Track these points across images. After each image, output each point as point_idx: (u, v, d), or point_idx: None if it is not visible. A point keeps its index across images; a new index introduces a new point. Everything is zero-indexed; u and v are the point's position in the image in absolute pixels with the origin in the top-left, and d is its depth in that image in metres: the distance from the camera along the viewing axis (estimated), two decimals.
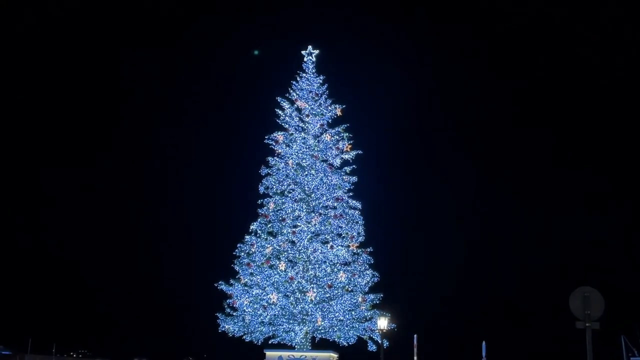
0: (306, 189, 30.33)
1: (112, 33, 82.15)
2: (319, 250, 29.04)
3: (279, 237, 29.44)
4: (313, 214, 29.60)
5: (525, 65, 76.49)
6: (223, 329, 29.38)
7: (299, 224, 29.59)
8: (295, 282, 28.53)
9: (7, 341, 51.98)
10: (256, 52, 63.94)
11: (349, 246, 29.61)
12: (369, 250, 29.80)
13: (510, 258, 64.23)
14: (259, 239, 29.67)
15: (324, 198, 30.25)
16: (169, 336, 65.90)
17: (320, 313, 28.18)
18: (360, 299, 28.82)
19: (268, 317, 28.70)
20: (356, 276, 29.06)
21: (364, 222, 30.31)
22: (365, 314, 28.93)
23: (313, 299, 28.11)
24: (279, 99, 31.68)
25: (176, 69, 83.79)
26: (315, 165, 30.44)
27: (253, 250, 29.46)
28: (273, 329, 29.19)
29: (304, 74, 32.20)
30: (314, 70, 32.34)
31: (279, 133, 31.23)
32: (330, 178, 30.33)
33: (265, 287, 28.84)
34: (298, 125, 31.49)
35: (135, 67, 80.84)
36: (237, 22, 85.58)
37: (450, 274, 60.44)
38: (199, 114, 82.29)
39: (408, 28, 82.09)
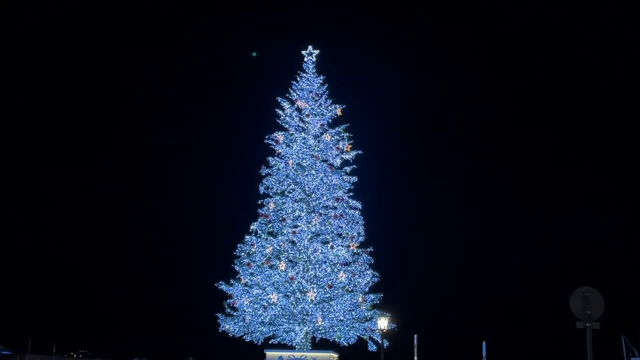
0: (306, 189, 30.34)
1: (112, 33, 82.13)
2: (319, 250, 29.06)
3: (279, 237, 29.46)
4: (313, 214, 29.61)
5: (525, 65, 76.45)
6: (223, 329, 29.41)
7: (299, 224, 29.61)
8: (296, 282, 28.55)
9: (7, 341, 52.00)
10: (254, 54, 63.86)
11: (349, 246, 29.63)
12: (369, 250, 29.84)
13: (510, 258, 64.22)
14: (259, 239, 29.69)
15: (324, 198, 30.27)
16: (169, 336, 65.87)
17: (320, 313, 28.20)
18: (360, 299, 28.84)
19: (268, 317, 28.73)
20: (356, 276, 29.08)
21: (364, 222, 30.38)
22: (366, 314, 28.95)
23: (313, 299, 28.12)
24: (279, 99, 31.72)
25: (176, 69, 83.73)
26: (316, 165, 30.46)
27: (253, 250, 29.48)
28: (273, 329, 29.21)
29: (304, 74, 32.23)
30: (314, 70, 32.37)
31: (279, 133, 31.25)
32: (330, 178, 30.35)
33: (265, 287, 28.86)
34: (298, 125, 31.51)
35: (135, 67, 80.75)
36: (237, 22, 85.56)
37: (450, 274, 60.42)
38: (199, 114, 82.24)
39: (408, 28, 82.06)
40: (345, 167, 31.01)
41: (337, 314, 28.37)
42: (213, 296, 30.33)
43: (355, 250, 29.71)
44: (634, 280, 48.84)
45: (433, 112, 78.50)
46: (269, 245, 29.37)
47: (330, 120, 31.77)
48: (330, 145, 31.07)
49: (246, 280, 29.36)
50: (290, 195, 30.27)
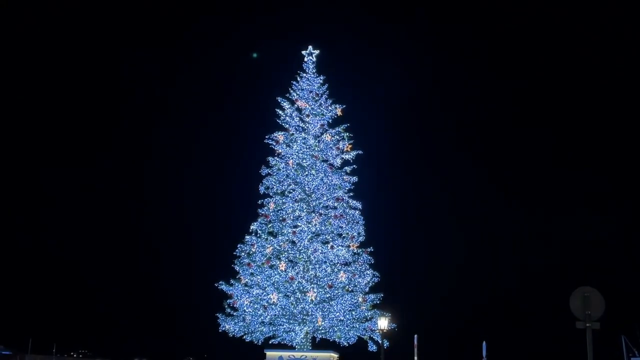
0: (306, 189, 30.34)
1: (112, 33, 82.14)
2: (320, 251, 29.06)
3: (280, 237, 29.46)
4: (313, 214, 29.61)
5: (525, 65, 76.47)
6: (223, 329, 29.40)
7: (299, 224, 29.61)
8: (296, 282, 28.54)
9: (8, 341, 51.99)
10: (255, 55, 63.84)
11: (349, 246, 29.63)
12: (369, 250, 29.83)
13: (510, 258, 64.23)
14: (259, 239, 29.69)
15: (325, 198, 30.27)
16: (169, 336, 65.90)
17: (320, 313, 28.20)
18: (360, 299, 28.84)
19: (268, 317, 28.72)
20: (356, 276, 29.08)
21: (365, 222, 30.37)
22: (366, 314, 28.95)
23: (313, 299, 28.12)
24: (279, 99, 31.72)
25: (176, 69, 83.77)
26: (316, 166, 30.46)
27: (253, 250, 29.48)
28: (273, 329, 29.21)
29: (304, 74, 32.23)
30: (314, 70, 32.37)
31: (280, 133, 31.26)
32: (330, 178, 30.35)
33: (265, 287, 28.87)
34: (298, 125, 31.51)
35: (135, 67, 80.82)
36: (237, 22, 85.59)
37: (450, 274, 60.46)
38: (199, 114, 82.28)
39: (408, 28, 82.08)
40: (346, 167, 31.02)
41: (337, 314, 28.37)
42: (213, 296, 30.37)
43: (355, 250, 29.71)
44: (634, 280, 48.86)
45: (433, 112, 78.55)
46: (269, 245, 29.38)
47: (330, 120, 31.78)
48: (331, 145, 31.08)
49: (246, 280, 29.36)
50: (290, 195, 30.27)
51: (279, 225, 29.78)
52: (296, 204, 29.78)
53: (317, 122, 31.51)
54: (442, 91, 78.55)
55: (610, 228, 57.58)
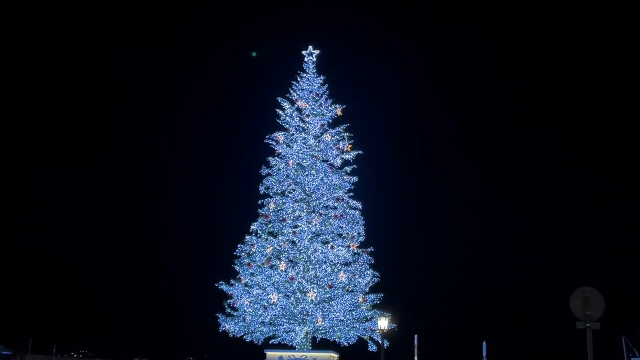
0: (307, 189, 30.34)
1: (112, 33, 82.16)
2: (320, 251, 29.05)
3: (280, 237, 29.45)
4: (313, 214, 29.61)
5: (525, 65, 76.52)
6: (223, 329, 29.40)
7: (299, 224, 29.61)
8: (296, 282, 28.54)
9: (8, 341, 51.96)
10: (254, 54, 63.84)
11: (349, 246, 29.62)
12: (369, 250, 29.81)
13: (510, 258, 64.25)
14: (259, 239, 29.69)
15: (325, 198, 30.27)
16: (169, 336, 65.89)
17: (320, 313, 28.20)
18: (360, 299, 28.83)
19: (268, 317, 28.72)
20: (356, 276, 29.07)
21: (365, 222, 30.35)
22: (366, 314, 28.94)
23: (313, 299, 28.12)
24: (279, 99, 31.71)
25: (176, 69, 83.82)
26: (316, 166, 30.46)
27: (253, 250, 29.48)
28: (273, 329, 29.21)
29: (305, 74, 32.22)
30: (314, 71, 32.36)
31: (280, 133, 31.25)
32: (330, 178, 30.35)
33: (265, 287, 28.86)
34: (298, 126, 31.51)
35: (135, 67, 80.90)
36: (237, 22, 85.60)
37: (450, 274, 60.48)
38: (199, 114, 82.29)
39: (408, 28, 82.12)
40: (346, 167, 31.01)
41: (338, 314, 28.36)
42: (213, 296, 30.37)
43: (355, 250, 29.70)
44: (634, 280, 48.87)
45: (433, 112, 78.59)
46: (269, 246, 29.37)
47: (330, 120, 31.77)
48: (331, 145, 31.07)
49: (246, 280, 29.35)
50: (290, 195, 30.26)
51: (279, 225, 29.78)
52: (296, 204, 29.78)
53: (317, 122, 31.51)
54: (442, 91, 78.62)
55: (610, 228, 57.63)
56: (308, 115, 31.51)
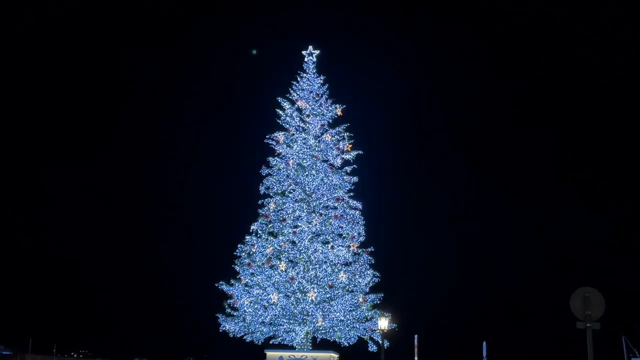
0: (307, 189, 30.34)
1: (112, 33, 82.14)
2: (320, 251, 29.06)
3: (280, 238, 29.46)
4: (314, 214, 29.62)
5: (525, 65, 76.49)
6: (224, 329, 29.41)
7: (299, 224, 29.61)
8: (296, 283, 28.55)
9: (8, 341, 51.98)
10: (254, 52, 63.81)
11: (349, 246, 29.63)
12: (369, 250, 29.82)
13: (510, 258, 64.28)
14: (259, 239, 29.69)
15: (325, 198, 30.27)
16: (169, 336, 65.90)
17: (320, 313, 28.21)
18: (360, 299, 28.84)
19: (269, 317, 28.73)
20: (357, 276, 29.08)
21: (365, 222, 30.36)
22: (366, 314, 28.95)
23: (314, 299, 28.13)
24: (279, 99, 31.71)
25: (176, 69, 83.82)
26: (316, 166, 30.46)
27: (254, 250, 29.48)
28: (274, 329, 29.21)
29: (305, 74, 32.22)
30: (314, 71, 32.37)
31: (280, 133, 31.26)
32: (330, 178, 30.36)
33: (265, 288, 28.87)
34: (299, 126, 31.52)
35: (135, 67, 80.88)
36: (237, 22, 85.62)
37: (450, 274, 60.51)
38: (199, 114, 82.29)
39: (408, 28, 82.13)
40: (346, 167, 31.02)
41: (338, 314, 28.38)
42: (213, 296, 30.37)
43: (355, 251, 29.70)
44: (634, 280, 48.87)
45: (433, 112, 78.60)
46: (269, 246, 29.38)
47: (330, 120, 31.77)
48: (331, 146, 31.08)
49: (247, 280, 29.36)
50: (290, 195, 30.27)
51: (279, 226, 29.78)
52: (296, 204, 29.78)
53: (318, 122, 31.52)
54: (442, 91, 78.61)
55: (610, 228, 57.63)
56: (308, 115, 31.51)
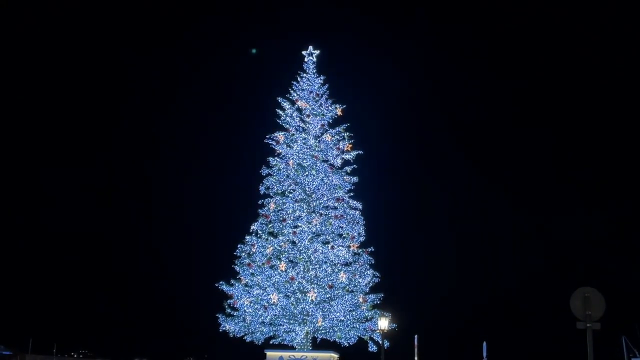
0: (307, 189, 30.34)
1: (113, 33, 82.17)
2: (320, 251, 29.05)
3: (280, 238, 29.45)
4: (314, 215, 29.61)
5: (525, 65, 76.56)
6: (224, 329, 29.40)
7: (299, 224, 29.61)
8: (296, 283, 28.54)
9: (8, 341, 51.97)
10: (254, 51, 63.81)
11: (349, 246, 29.62)
12: (369, 250, 29.81)
13: (510, 258, 64.31)
14: (259, 240, 29.68)
15: (325, 198, 30.27)
16: (169, 336, 65.91)
17: (320, 313, 28.20)
18: (360, 299, 28.84)
19: (269, 317, 28.73)
20: (357, 276, 29.07)
21: (365, 223, 30.34)
22: (366, 314, 28.94)
23: (314, 299, 28.13)
24: (279, 99, 31.70)
25: (176, 69, 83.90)
26: (316, 166, 30.45)
27: (254, 250, 29.47)
28: (274, 329, 29.21)
29: (305, 74, 32.22)
30: (314, 71, 32.36)
31: (280, 133, 31.25)
32: (330, 178, 30.35)
33: (266, 288, 28.87)
34: (299, 126, 31.51)
35: (135, 67, 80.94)
36: (237, 22, 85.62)
37: (450, 274, 60.54)
38: (199, 114, 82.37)
39: (408, 28, 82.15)
40: (346, 167, 31.01)
41: (338, 314, 28.37)
42: (213, 296, 30.36)
43: (355, 251, 29.69)
44: (634, 280, 48.86)
45: (433, 112, 78.61)
46: (269, 246, 29.37)
47: (330, 121, 31.76)
48: (331, 146, 31.07)
49: (247, 280, 29.35)
50: (290, 195, 30.27)
51: (279, 226, 29.78)
52: (296, 204, 29.78)
53: (318, 122, 31.51)
54: (442, 91, 78.66)
55: (610, 228, 57.65)
56: (308, 116, 31.51)
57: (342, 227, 29.79)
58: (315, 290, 28.19)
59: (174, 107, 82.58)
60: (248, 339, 29.41)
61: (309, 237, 29.30)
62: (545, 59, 74.15)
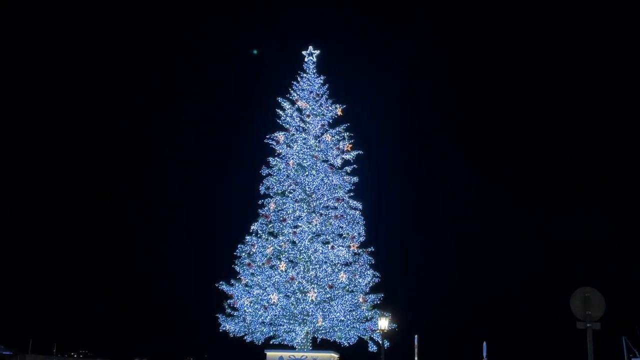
0: (307, 189, 30.34)
1: (113, 33, 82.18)
2: (320, 251, 29.05)
3: (280, 238, 29.45)
4: (314, 215, 29.61)
5: (525, 65, 76.58)
6: (224, 329, 29.40)
7: (299, 224, 29.60)
8: (296, 283, 28.54)
9: (8, 341, 51.97)
10: (255, 52, 63.82)
11: (349, 246, 29.62)
12: (369, 250, 29.80)
13: (510, 258, 64.31)
14: (259, 240, 29.68)
15: (325, 198, 30.27)
16: (169, 336, 65.93)
17: (321, 313, 28.20)
18: (361, 299, 28.83)
19: (269, 317, 28.72)
20: (357, 276, 29.07)
21: (365, 223, 30.34)
22: (366, 314, 28.94)
23: (314, 299, 28.13)
24: (279, 99, 31.70)
25: (176, 69, 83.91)
26: (316, 166, 30.45)
27: (254, 250, 29.47)
28: (274, 329, 29.20)
29: (305, 74, 32.22)
30: (314, 71, 32.36)
31: (280, 133, 31.25)
32: (331, 178, 30.35)
33: (266, 288, 28.86)
34: (299, 126, 31.51)
35: (135, 66, 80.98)
36: (237, 22, 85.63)
37: (450, 274, 60.55)
38: (200, 114, 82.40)
39: (408, 28, 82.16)
40: (346, 167, 31.00)
41: (338, 314, 28.37)
42: (213, 296, 30.37)
43: (355, 251, 29.69)
44: (634, 280, 48.86)
45: (433, 112, 78.64)
46: (269, 246, 29.37)
47: (330, 121, 31.76)
48: (331, 146, 31.07)
49: (247, 280, 29.35)
50: (290, 195, 30.27)
51: (279, 226, 29.78)
52: (296, 204, 29.78)
53: (318, 122, 31.51)
54: (442, 91, 78.68)
55: (610, 228, 57.65)
56: (308, 116, 31.51)
57: (342, 227, 29.78)
58: (316, 290, 28.19)
59: (174, 107, 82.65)
60: (248, 339, 29.41)
61: (309, 237, 29.30)
62: (545, 59, 74.20)
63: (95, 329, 67.04)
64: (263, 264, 29.15)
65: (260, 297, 28.78)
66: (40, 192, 73.66)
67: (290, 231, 29.36)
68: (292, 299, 28.71)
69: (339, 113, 31.77)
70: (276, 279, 28.80)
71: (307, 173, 30.41)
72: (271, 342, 29.43)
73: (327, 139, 31.12)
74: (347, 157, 31.15)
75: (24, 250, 68.57)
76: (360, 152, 31.36)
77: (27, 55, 77.22)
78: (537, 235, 63.34)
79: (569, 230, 59.43)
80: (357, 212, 30.22)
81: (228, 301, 29.49)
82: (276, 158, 30.93)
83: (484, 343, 30.70)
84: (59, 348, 57.31)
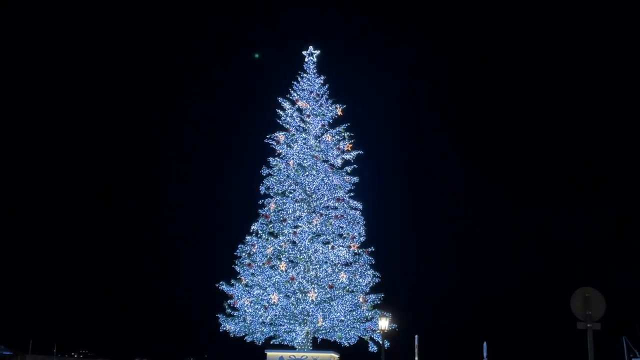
0: (307, 189, 30.35)
1: (113, 33, 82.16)
2: (320, 251, 29.06)
3: (280, 238, 29.45)
4: (314, 215, 29.60)
5: (525, 65, 76.58)
6: (224, 330, 29.40)
7: (300, 224, 29.61)
8: (296, 283, 28.54)
9: (8, 341, 52.02)
10: (257, 56, 63.85)
11: (350, 246, 29.62)
12: (369, 250, 29.80)
13: (510, 258, 64.31)
14: (260, 240, 29.69)
15: (325, 198, 30.28)
16: (169, 336, 65.94)
17: (321, 313, 28.20)
18: (361, 300, 28.84)
19: (269, 317, 28.73)
20: (357, 276, 29.07)
21: (365, 223, 30.34)
22: (366, 314, 28.94)
23: (314, 300, 28.13)
24: (280, 99, 31.71)
25: (177, 69, 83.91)
26: (316, 166, 30.45)
27: (254, 250, 29.47)
28: (274, 329, 29.22)
29: (305, 75, 32.23)
30: (314, 71, 32.37)
31: (280, 133, 31.25)
32: (331, 178, 30.35)
33: (266, 288, 28.87)
34: (299, 126, 31.52)
35: (135, 67, 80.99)
36: (237, 22, 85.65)
37: (450, 274, 60.54)
38: (200, 114, 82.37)
39: (408, 28, 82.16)
40: (346, 168, 31.01)
41: (338, 314, 28.37)
42: (214, 296, 30.38)
43: (356, 251, 29.69)
44: (634, 280, 48.87)
45: (433, 112, 78.66)
46: (269, 246, 29.37)
47: (330, 121, 31.77)
48: (331, 146, 31.08)
49: (247, 280, 29.35)
50: (291, 195, 30.27)
51: (279, 226, 29.78)
52: (297, 205, 29.78)
53: (318, 123, 31.52)
54: (442, 91, 78.70)
55: (610, 228, 57.65)
56: (309, 116, 31.52)
57: (342, 227, 29.79)
58: (316, 291, 28.20)
59: (174, 107, 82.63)
60: (248, 339, 29.42)
61: (309, 237, 29.29)
62: (545, 59, 74.20)
63: (95, 329, 67.10)
64: (263, 264, 29.16)
65: (260, 297, 28.78)
66: (40, 192, 73.73)
67: (290, 231, 29.36)
68: (293, 299, 28.71)
69: (339, 113, 31.79)
70: (276, 279, 28.81)
71: (307, 173, 30.41)
72: (271, 342, 29.45)
73: (327, 139, 31.12)
74: (347, 157, 31.16)
75: (24, 250, 68.62)
76: (361, 152, 31.40)
77: (27, 55, 77.26)
78: (537, 235, 63.36)
79: (569, 230, 59.46)
80: (358, 212, 30.22)
81: (228, 301, 29.50)
82: (276, 158, 30.93)
83: (484, 343, 30.71)
84: (59, 348, 57.40)
